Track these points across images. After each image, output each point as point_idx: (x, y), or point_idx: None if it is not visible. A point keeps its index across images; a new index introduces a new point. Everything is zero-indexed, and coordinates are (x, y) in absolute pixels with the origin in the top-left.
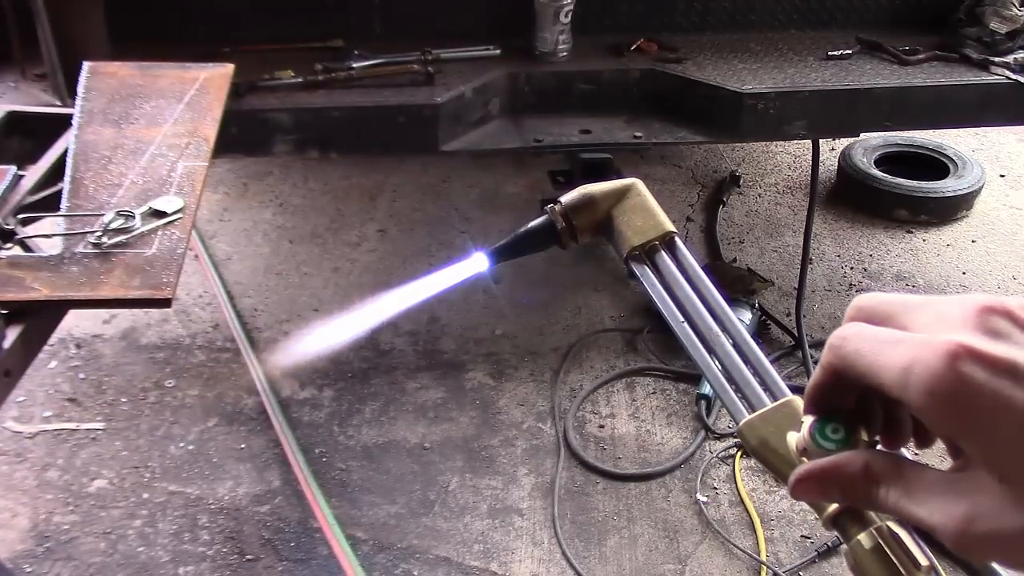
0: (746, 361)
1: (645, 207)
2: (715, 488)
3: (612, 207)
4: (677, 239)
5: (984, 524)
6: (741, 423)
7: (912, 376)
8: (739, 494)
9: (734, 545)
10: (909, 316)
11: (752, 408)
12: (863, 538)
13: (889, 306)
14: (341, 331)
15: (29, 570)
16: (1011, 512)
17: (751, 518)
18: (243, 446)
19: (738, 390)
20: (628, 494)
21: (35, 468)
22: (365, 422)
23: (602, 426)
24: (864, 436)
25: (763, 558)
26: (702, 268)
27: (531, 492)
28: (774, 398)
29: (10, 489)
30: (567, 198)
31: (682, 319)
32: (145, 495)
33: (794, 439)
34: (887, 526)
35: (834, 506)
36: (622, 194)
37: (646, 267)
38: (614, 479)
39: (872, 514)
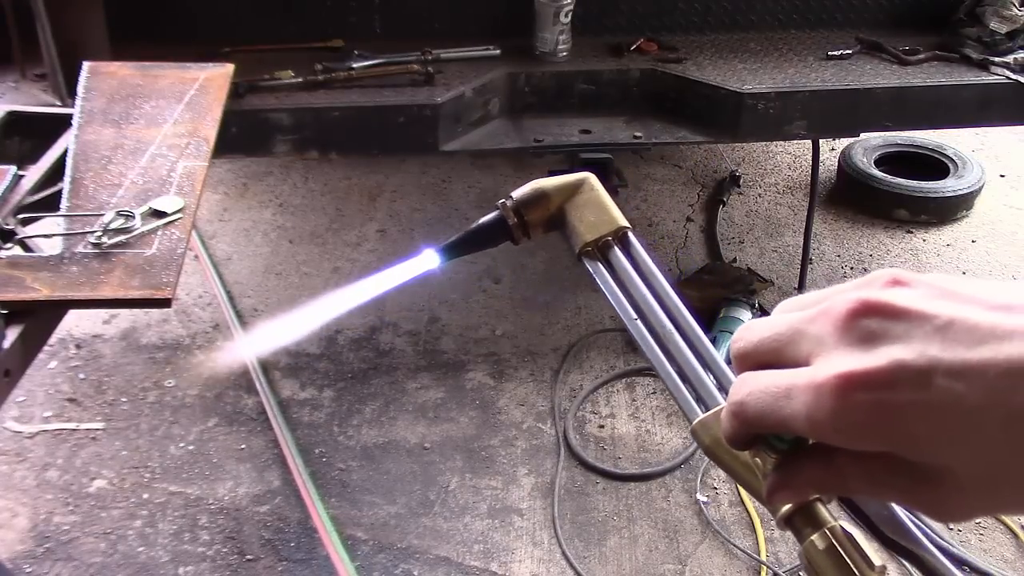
0: (700, 359)
1: (598, 202)
2: (715, 488)
3: (564, 202)
4: (630, 234)
5: (952, 503)
6: (694, 422)
7: (816, 424)
8: (739, 494)
9: (734, 545)
10: (791, 348)
11: (706, 407)
12: (816, 539)
13: (769, 344)
14: (289, 328)
15: (29, 570)
16: (972, 489)
17: (751, 518)
18: (243, 446)
19: (692, 388)
20: (628, 494)
21: (35, 468)
22: (365, 422)
23: (602, 426)
24: None
25: (763, 558)
26: (700, 268)
27: (531, 492)
28: (728, 396)
29: (10, 489)
30: (518, 193)
31: (635, 316)
32: (145, 495)
33: None
34: (840, 526)
35: (787, 507)
36: (574, 189)
37: (599, 263)
38: (614, 479)
39: (826, 514)
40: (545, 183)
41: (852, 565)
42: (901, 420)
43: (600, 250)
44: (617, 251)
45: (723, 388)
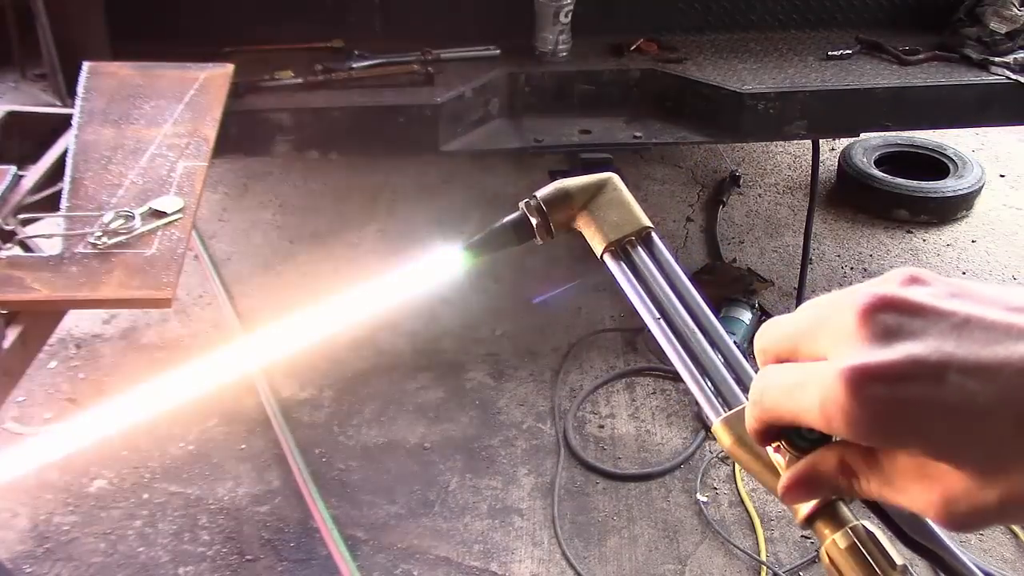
0: (723, 359)
1: (621, 201)
2: (715, 488)
3: (588, 202)
4: (654, 234)
5: (960, 506)
6: (716, 421)
7: (829, 417)
8: (739, 494)
9: (734, 545)
10: (809, 341)
11: (728, 406)
12: (838, 538)
13: (788, 338)
14: (307, 329)
15: (29, 570)
16: (980, 490)
17: (751, 518)
18: (243, 446)
19: (714, 388)
20: (628, 494)
21: (35, 468)
22: (365, 422)
23: (602, 426)
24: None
25: (763, 558)
26: (700, 268)
27: (531, 492)
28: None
29: (10, 489)
30: (542, 192)
31: (658, 316)
32: (145, 495)
33: None
34: (863, 525)
35: (809, 506)
36: (598, 188)
37: (622, 263)
38: (614, 479)
39: (847, 513)
40: (569, 183)
41: (874, 564)
42: (913, 415)
43: (623, 250)
44: (640, 251)
45: (746, 388)
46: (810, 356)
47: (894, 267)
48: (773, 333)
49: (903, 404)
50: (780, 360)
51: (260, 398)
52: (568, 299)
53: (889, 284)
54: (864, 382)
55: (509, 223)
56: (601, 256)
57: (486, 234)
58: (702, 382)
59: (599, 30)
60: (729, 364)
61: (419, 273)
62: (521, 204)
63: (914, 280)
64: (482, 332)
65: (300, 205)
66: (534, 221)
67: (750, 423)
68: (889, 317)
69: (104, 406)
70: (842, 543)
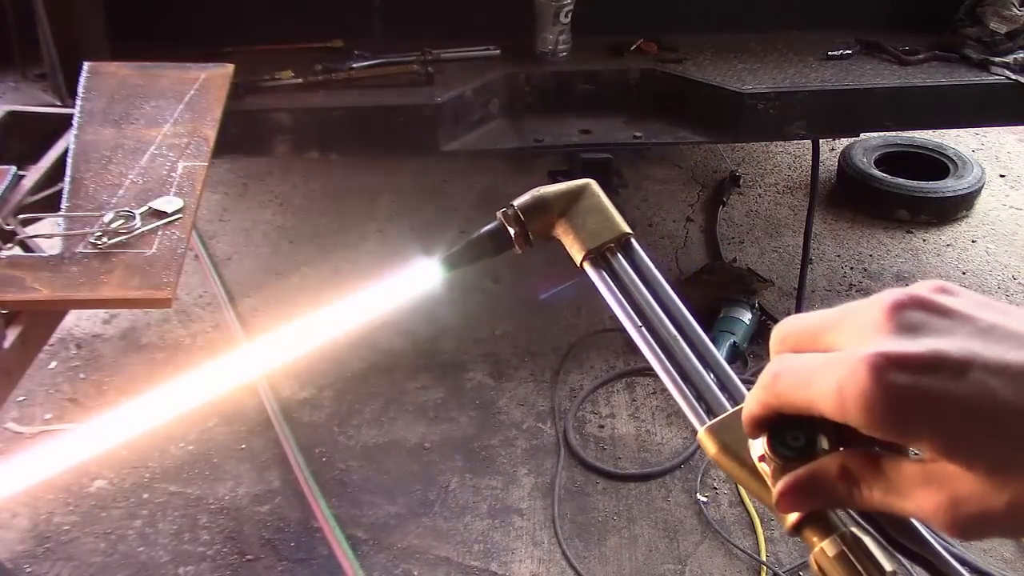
0: (705, 365)
1: (599, 208)
2: (715, 488)
3: (566, 209)
4: (633, 240)
5: (969, 508)
6: (701, 430)
7: (845, 400)
8: (739, 494)
9: (734, 545)
10: (831, 333)
11: (712, 414)
12: (826, 545)
13: (810, 328)
14: (288, 348)
15: (29, 570)
16: (990, 493)
17: (751, 518)
18: (243, 446)
19: (698, 395)
20: (628, 494)
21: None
22: (365, 422)
23: (602, 426)
24: (824, 444)
25: (763, 558)
26: (700, 268)
27: (531, 492)
28: (734, 403)
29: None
30: (520, 201)
31: (639, 323)
32: (145, 495)
33: (755, 445)
34: (850, 532)
35: (795, 513)
36: (576, 195)
37: (602, 271)
38: (614, 479)
39: (835, 520)
40: (546, 191)
41: (863, 572)
42: (932, 407)
43: (602, 257)
44: (620, 258)
45: (730, 395)
46: (829, 348)
47: (894, 267)
48: (794, 324)
49: (923, 394)
50: (797, 350)
51: (260, 398)
52: (573, 295)
53: (918, 289)
54: (887, 368)
55: (486, 233)
56: (580, 264)
57: (463, 246)
58: (685, 390)
59: (599, 30)
60: (712, 370)
61: (396, 287)
62: (498, 213)
63: (943, 290)
64: (482, 332)
65: (300, 205)
66: (512, 231)
67: (752, 407)
68: (917, 315)
69: (108, 416)
70: (830, 551)
